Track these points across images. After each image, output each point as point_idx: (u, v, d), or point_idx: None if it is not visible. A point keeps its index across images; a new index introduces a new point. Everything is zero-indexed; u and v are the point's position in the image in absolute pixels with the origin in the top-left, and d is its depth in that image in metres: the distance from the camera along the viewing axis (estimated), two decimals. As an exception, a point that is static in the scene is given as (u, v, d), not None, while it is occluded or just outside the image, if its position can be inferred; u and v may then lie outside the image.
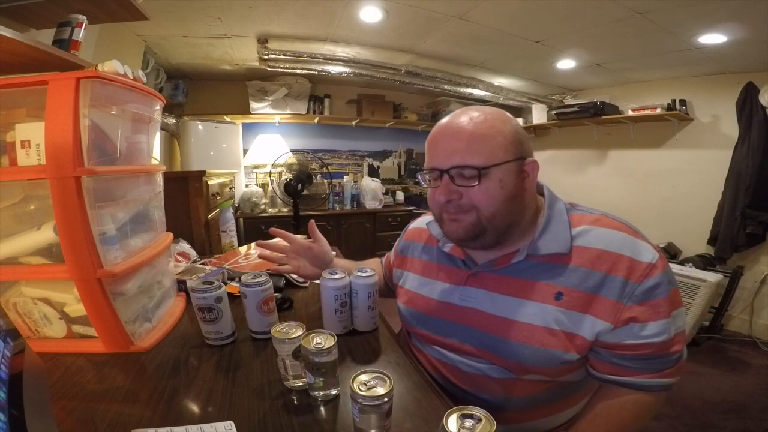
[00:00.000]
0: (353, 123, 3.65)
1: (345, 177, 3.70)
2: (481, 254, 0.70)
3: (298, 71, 2.69)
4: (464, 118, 0.63)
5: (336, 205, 3.51)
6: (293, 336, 0.59)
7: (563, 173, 3.76)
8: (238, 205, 3.21)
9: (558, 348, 0.59)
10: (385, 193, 3.75)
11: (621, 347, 0.58)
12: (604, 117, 3.06)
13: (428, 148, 0.67)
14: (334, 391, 0.58)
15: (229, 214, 1.51)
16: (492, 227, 0.62)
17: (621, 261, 0.59)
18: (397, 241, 0.95)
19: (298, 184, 3.03)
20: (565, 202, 0.69)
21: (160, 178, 0.91)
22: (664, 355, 0.58)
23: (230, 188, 2.37)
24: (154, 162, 0.91)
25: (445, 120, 0.66)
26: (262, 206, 3.26)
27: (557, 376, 0.63)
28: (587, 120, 3.19)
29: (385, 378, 0.48)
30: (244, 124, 3.32)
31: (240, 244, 1.49)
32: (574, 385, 0.68)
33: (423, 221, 0.88)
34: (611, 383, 0.61)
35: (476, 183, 0.60)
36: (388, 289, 0.98)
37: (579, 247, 0.62)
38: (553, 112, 3.45)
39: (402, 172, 4.14)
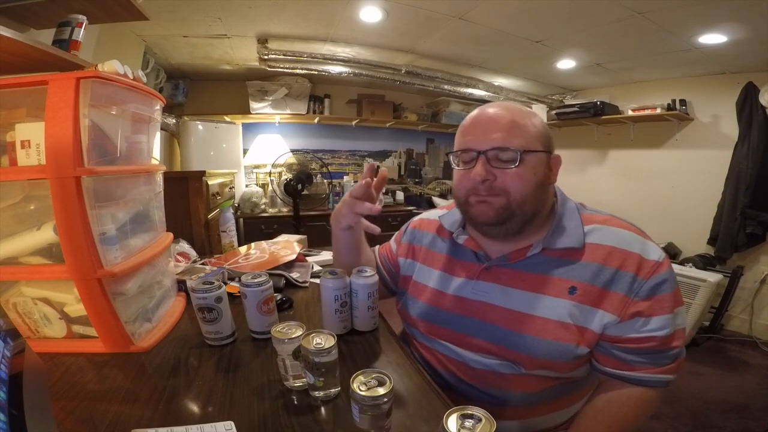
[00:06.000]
0: (353, 123, 3.65)
1: (345, 177, 3.70)
2: (495, 248, 0.71)
3: (298, 71, 2.69)
4: (499, 107, 0.66)
5: (336, 205, 3.50)
6: (293, 336, 0.59)
7: (563, 173, 3.64)
8: (238, 205, 3.21)
9: (570, 342, 0.61)
10: (385, 193, 3.75)
11: (623, 341, 0.60)
12: (604, 117, 3.06)
13: (464, 132, 0.68)
14: (334, 391, 0.58)
15: (229, 214, 1.51)
16: (520, 212, 0.64)
17: (631, 258, 0.61)
18: (398, 231, 0.94)
19: (298, 184, 3.04)
20: (575, 202, 0.72)
21: (160, 178, 0.91)
22: (665, 349, 0.60)
23: (230, 188, 2.37)
24: (154, 162, 0.91)
25: (478, 110, 0.68)
26: (262, 206, 3.26)
27: (567, 371, 0.64)
28: (587, 120, 3.19)
29: (385, 378, 0.48)
30: (244, 124, 3.32)
31: (240, 244, 1.49)
32: (579, 381, 0.69)
33: (434, 213, 0.87)
34: (613, 377, 0.62)
35: (514, 165, 0.62)
36: (383, 284, 0.91)
37: (591, 244, 0.64)
38: (553, 112, 3.45)
39: (402, 172, 4.14)
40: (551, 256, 0.65)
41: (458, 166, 0.69)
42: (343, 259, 0.85)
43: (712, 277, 2.28)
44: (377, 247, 0.98)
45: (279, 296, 0.93)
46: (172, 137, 2.95)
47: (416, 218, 0.92)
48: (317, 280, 0.95)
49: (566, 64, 2.72)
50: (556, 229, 0.66)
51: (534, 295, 0.64)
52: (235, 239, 1.51)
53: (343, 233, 0.82)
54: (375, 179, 0.75)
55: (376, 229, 0.73)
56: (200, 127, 2.80)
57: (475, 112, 0.68)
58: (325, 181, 3.47)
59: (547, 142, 0.66)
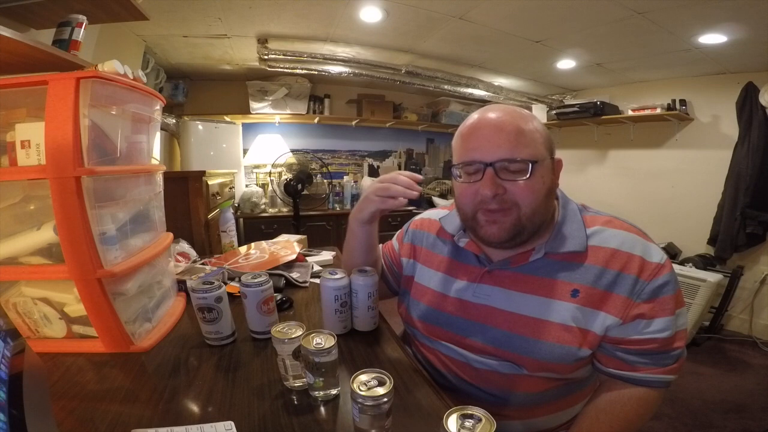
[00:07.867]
0: (353, 123, 3.65)
1: (345, 177, 3.70)
2: (497, 252, 0.70)
3: (298, 71, 2.69)
4: (500, 112, 0.63)
5: (336, 205, 3.51)
6: (293, 336, 0.59)
7: (563, 173, 3.72)
8: (238, 205, 3.21)
9: (573, 344, 0.60)
10: (385, 193, 3.74)
11: (626, 342, 0.60)
12: (604, 117, 3.06)
13: (465, 141, 0.64)
14: (334, 391, 0.58)
15: (229, 214, 1.51)
16: (531, 225, 0.62)
17: (633, 260, 0.61)
18: (398, 231, 0.93)
19: (298, 184, 3.04)
20: (577, 204, 0.71)
21: (160, 178, 0.91)
22: (667, 351, 0.60)
23: (230, 188, 2.37)
24: (154, 162, 0.91)
25: (477, 115, 0.65)
26: (262, 206, 3.26)
27: (569, 373, 0.64)
28: (587, 120, 3.19)
29: (385, 378, 0.48)
30: (244, 124, 3.32)
31: (240, 244, 1.49)
32: (581, 382, 0.69)
33: (435, 214, 0.86)
34: (616, 378, 0.62)
35: (525, 177, 0.60)
36: (387, 284, 0.92)
37: (593, 247, 0.64)
38: (553, 112, 3.45)
39: (402, 172, 4.14)
40: (554, 259, 0.65)
41: (461, 178, 0.65)
42: (356, 259, 0.83)
43: (712, 277, 2.28)
44: (379, 245, 0.97)
45: (279, 296, 0.93)
46: (172, 137, 2.95)
47: (417, 218, 0.91)
48: (317, 280, 0.95)
49: (566, 64, 2.71)
50: (558, 233, 0.65)
51: (537, 298, 0.64)
52: (235, 239, 1.51)
53: (360, 230, 0.79)
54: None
55: (413, 194, 0.70)
56: (200, 127, 2.80)
57: (474, 119, 0.64)
58: (325, 181, 3.47)
59: (550, 146, 0.65)
